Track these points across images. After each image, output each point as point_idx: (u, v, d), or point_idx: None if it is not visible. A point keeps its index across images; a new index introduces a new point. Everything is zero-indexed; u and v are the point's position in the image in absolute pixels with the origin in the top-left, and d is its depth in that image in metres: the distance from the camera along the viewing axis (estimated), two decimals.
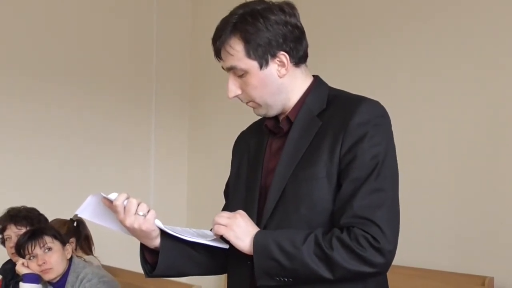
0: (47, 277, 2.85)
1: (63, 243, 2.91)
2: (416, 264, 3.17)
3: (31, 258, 2.85)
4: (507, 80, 2.99)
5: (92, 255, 3.44)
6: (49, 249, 2.85)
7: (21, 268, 2.90)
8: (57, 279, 2.87)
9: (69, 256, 2.91)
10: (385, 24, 3.53)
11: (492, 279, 2.93)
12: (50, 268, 2.83)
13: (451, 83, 3.21)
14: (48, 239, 2.86)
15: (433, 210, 3.23)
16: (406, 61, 3.41)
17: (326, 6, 3.87)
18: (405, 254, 3.06)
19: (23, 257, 2.90)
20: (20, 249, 2.90)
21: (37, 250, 2.84)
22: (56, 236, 2.90)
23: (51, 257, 2.83)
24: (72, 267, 2.88)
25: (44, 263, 2.82)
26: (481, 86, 3.09)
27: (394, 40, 3.47)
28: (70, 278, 2.84)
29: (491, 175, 3.02)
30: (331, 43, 3.78)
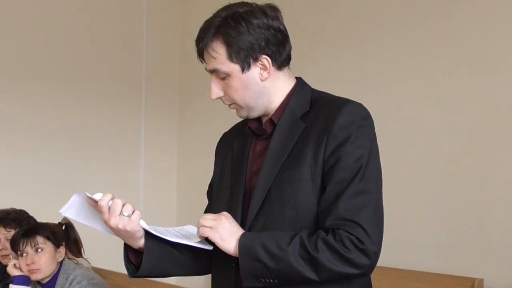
0: (34, 277, 2.85)
1: (57, 245, 2.90)
2: (405, 265, 3.17)
3: (22, 255, 2.85)
4: (496, 82, 3.01)
5: (82, 257, 3.43)
6: (40, 249, 2.84)
7: (12, 269, 2.90)
8: (47, 280, 2.87)
9: (60, 259, 2.90)
10: (375, 27, 3.54)
11: (481, 280, 2.94)
12: (38, 269, 2.82)
13: (440, 85, 3.22)
14: (40, 240, 2.85)
15: (422, 212, 3.24)
16: (395, 63, 3.43)
17: (317, 9, 3.87)
18: (394, 256, 3.08)
19: (16, 252, 2.89)
20: (14, 244, 2.90)
21: (28, 249, 2.83)
22: (50, 237, 2.88)
23: (40, 258, 2.82)
24: (62, 268, 2.87)
25: (32, 263, 2.81)
26: (470, 89, 3.10)
27: (384, 43, 3.49)
28: (60, 280, 2.84)
29: (480, 176, 3.03)
30: (322, 45, 3.79)
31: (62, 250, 2.92)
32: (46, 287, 2.88)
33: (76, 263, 3.06)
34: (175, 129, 4.89)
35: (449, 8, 3.21)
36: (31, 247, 2.83)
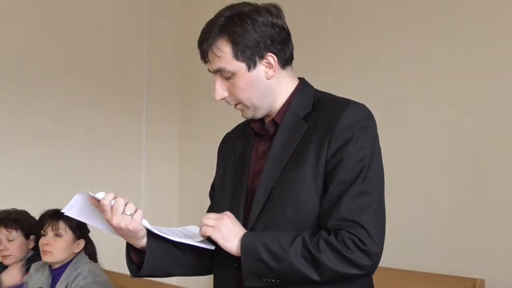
0: (44, 258, 2.90)
1: (77, 236, 2.93)
2: (405, 266, 3.17)
3: (44, 235, 2.90)
4: (498, 81, 3.01)
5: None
6: (59, 235, 2.88)
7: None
8: (57, 266, 2.91)
9: (77, 251, 2.93)
10: (374, 26, 3.54)
11: (483, 281, 2.93)
12: (50, 252, 2.87)
13: (441, 84, 3.22)
14: (61, 226, 2.89)
15: (423, 212, 3.24)
16: (396, 63, 3.42)
17: (317, 9, 3.88)
18: (395, 256, 3.07)
19: (41, 230, 2.94)
20: (41, 221, 2.96)
21: (49, 231, 2.88)
22: (72, 226, 2.91)
23: (55, 243, 2.87)
24: (74, 259, 2.91)
25: (47, 244, 2.86)
26: (471, 88, 3.10)
27: (384, 43, 3.49)
28: (68, 269, 2.87)
29: (481, 176, 3.03)
30: (321, 45, 3.79)
31: (81, 243, 2.94)
32: (55, 273, 2.91)
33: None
34: (176, 132, 4.88)
35: (449, 8, 3.21)
36: (52, 230, 2.88)
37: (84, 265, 2.89)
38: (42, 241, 2.90)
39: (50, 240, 2.87)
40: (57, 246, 2.87)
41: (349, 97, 1.69)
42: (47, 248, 2.86)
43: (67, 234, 2.89)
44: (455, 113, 3.15)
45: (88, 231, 3.01)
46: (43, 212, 3.00)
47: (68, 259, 2.91)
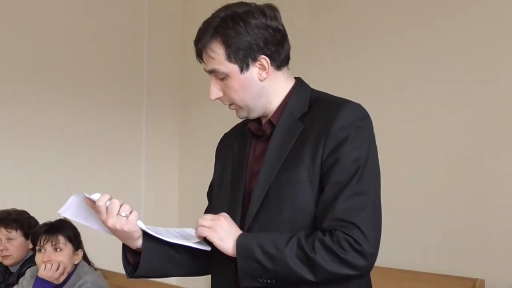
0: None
1: (76, 247, 2.89)
2: (405, 266, 3.17)
3: (41, 251, 2.83)
4: (495, 82, 3.01)
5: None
6: (59, 249, 2.83)
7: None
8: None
9: (77, 262, 2.88)
10: (374, 28, 3.54)
11: (483, 281, 2.93)
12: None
13: (440, 84, 3.22)
14: (62, 240, 2.84)
15: (422, 212, 3.24)
16: (395, 64, 3.42)
17: (317, 9, 3.88)
18: (394, 256, 3.08)
19: (35, 245, 2.88)
20: (34, 237, 2.89)
21: (48, 247, 2.82)
22: (71, 238, 2.87)
23: (57, 257, 2.81)
24: (76, 270, 2.87)
25: (49, 260, 2.79)
26: (469, 88, 3.10)
27: (385, 43, 3.49)
28: (71, 281, 2.83)
29: (481, 176, 3.03)
30: (320, 45, 3.79)
31: (80, 253, 2.90)
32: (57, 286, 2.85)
33: (92, 266, 3.03)
34: (177, 132, 4.89)
35: (450, 7, 3.21)
36: (51, 245, 2.82)
37: (85, 275, 2.84)
38: (43, 258, 2.81)
39: (51, 256, 2.80)
40: (59, 261, 2.80)
41: (346, 96, 1.68)
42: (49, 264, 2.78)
43: (67, 247, 2.84)
44: (456, 113, 3.14)
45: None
46: (36, 229, 2.91)
47: (70, 271, 2.85)
